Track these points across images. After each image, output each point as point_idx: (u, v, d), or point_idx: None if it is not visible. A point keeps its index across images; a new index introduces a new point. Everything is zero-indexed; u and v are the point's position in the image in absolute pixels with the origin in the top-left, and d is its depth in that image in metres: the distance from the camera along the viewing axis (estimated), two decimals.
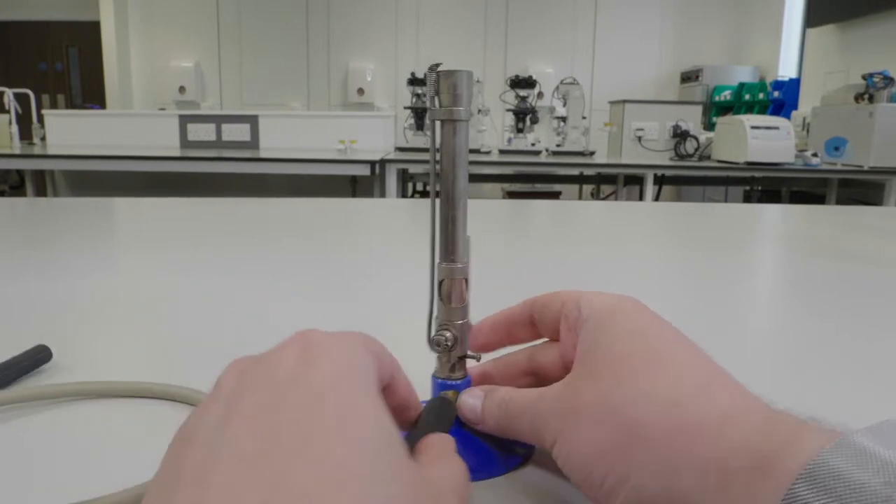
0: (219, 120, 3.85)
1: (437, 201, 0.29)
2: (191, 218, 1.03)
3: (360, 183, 3.78)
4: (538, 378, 0.30)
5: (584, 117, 3.79)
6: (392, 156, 3.45)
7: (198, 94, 5.88)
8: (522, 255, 0.79)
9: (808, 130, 3.89)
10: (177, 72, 5.85)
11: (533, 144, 3.79)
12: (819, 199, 3.92)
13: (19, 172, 3.87)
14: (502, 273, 0.68)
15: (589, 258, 0.79)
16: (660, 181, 4.02)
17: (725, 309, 0.57)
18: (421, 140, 3.79)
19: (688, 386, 0.23)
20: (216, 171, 3.38)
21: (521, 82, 3.67)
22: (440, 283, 0.29)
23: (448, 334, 0.29)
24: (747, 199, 4.49)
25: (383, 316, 0.52)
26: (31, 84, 4.20)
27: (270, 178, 3.83)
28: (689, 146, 3.71)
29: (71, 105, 6.42)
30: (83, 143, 3.82)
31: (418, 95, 3.75)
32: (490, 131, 4.14)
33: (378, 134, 3.88)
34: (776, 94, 5.16)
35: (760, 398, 0.23)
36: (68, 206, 1.15)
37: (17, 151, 3.46)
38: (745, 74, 5.74)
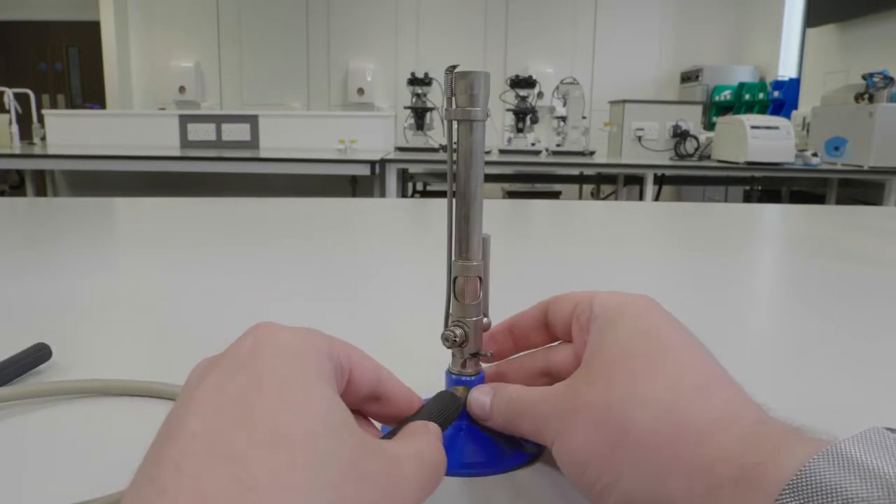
0: (219, 120, 3.85)
1: (454, 200, 0.29)
2: (191, 218, 1.03)
3: (360, 183, 3.78)
4: (553, 378, 0.30)
5: (584, 117, 3.80)
6: (392, 156, 3.45)
7: (198, 94, 5.88)
8: (522, 255, 0.79)
9: (808, 130, 3.90)
10: (177, 72, 5.85)
11: (533, 144, 3.79)
12: (819, 199, 3.92)
13: (19, 172, 3.87)
14: (502, 273, 0.67)
15: (589, 258, 0.79)
16: (660, 181, 4.02)
17: (725, 309, 0.57)
18: (421, 140, 3.79)
19: (684, 388, 0.23)
20: (216, 171, 3.39)
21: (521, 82, 3.67)
22: (454, 280, 0.29)
23: (458, 331, 0.29)
24: (747, 199, 4.49)
25: (383, 316, 0.52)
26: (31, 84, 4.20)
27: (270, 178, 3.83)
28: (689, 146, 3.71)
29: (71, 105, 6.42)
30: (83, 143, 3.82)
31: (418, 95, 3.75)
32: (490, 131, 4.13)
33: (378, 134, 3.88)
34: (776, 93, 5.16)
35: (756, 403, 0.23)
36: (68, 206, 1.15)
37: (17, 151, 3.46)
38: (745, 74, 5.74)
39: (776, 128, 3.35)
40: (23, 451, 0.30)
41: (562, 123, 3.84)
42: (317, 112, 5.38)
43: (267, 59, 5.98)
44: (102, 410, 0.34)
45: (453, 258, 0.29)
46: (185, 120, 3.82)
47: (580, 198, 4.83)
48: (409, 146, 3.78)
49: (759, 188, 4.45)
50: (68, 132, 3.88)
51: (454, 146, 0.28)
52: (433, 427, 0.25)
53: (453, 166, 0.28)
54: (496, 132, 4.23)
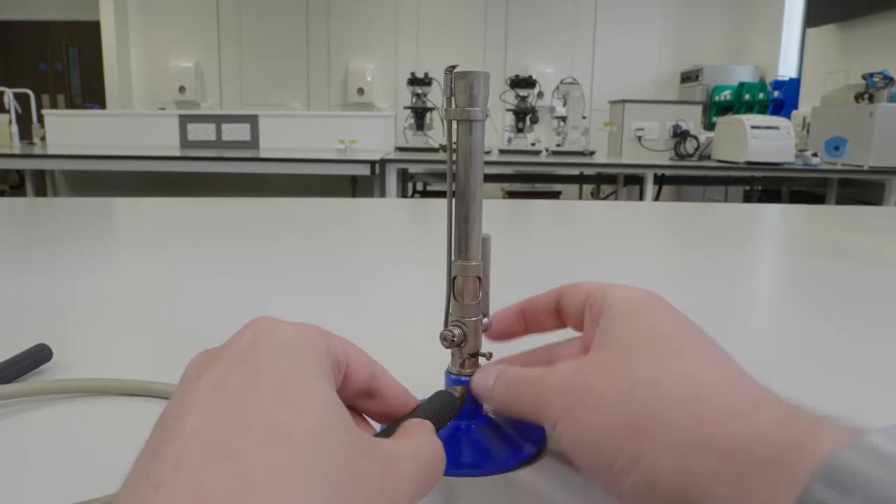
0: (219, 120, 3.85)
1: (453, 200, 0.29)
2: (191, 218, 1.03)
3: (360, 183, 3.78)
4: None
5: (584, 117, 3.80)
6: (392, 156, 3.45)
7: (198, 94, 5.88)
8: (522, 255, 0.79)
9: (808, 130, 3.89)
10: (177, 72, 5.85)
11: (533, 144, 3.79)
12: (819, 199, 3.92)
13: (19, 172, 3.87)
14: (502, 273, 0.68)
15: (589, 258, 0.79)
16: (660, 181, 4.02)
17: (725, 309, 0.57)
18: (421, 140, 3.79)
19: (712, 373, 0.23)
20: (216, 171, 3.38)
21: (521, 82, 3.67)
22: (454, 280, 0.29)
23: (457, 331, 0.29)
24: (747, 198, 4.49)
25: (383, 316, 0.52)
26: (31, 84, 4.20)
27: (270, 178, 3.83)
28: (689, 146, 3.71)
29: (71, 105, 6.42)
30: (83, 143, 3.82)
31: (418, 95, 3.75)
32: (490, 131, 4.14)
33: (378, 134, 3.88)
34: (776, 93, 5.16)
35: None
36: (68, 206, 1.15)
37: (17, 151, 3.46)
38: (745, 74, 5.74)
39: (776, 128, 3.35)
40: (23, 450, 0.30)
41: (562, 123, 3.84)
42: (317, 112, 5.38)
43: (267, 59, 5.98)
44: (102, 410, 0.34)
45: (453, 258, 0.29)
46: (185, 120, 3.82)
47: (580, 198, 4.83)
48: (409, 146, 3.78)
49: (759, 188, 4.45)
50: (68, 132, 3.88)
51: (454, 146, 0.28)
52: (429, 425, 0.25)
53: (453, 166, 0.28)
54: (496, 132, 4.23)
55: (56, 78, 6.57)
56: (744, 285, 0.67)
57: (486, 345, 0.31)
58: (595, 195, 4.61)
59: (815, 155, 3.36)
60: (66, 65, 6.55)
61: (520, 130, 3.73)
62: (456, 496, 0.26)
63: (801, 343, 0.48)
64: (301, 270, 0.67)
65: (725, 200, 4.58)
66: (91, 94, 6.39)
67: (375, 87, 5.98)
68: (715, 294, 0.61)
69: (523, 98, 3.69)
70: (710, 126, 4.70)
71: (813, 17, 5.09)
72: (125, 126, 3.89)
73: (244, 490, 0.16)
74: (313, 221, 1.02)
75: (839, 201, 3.77)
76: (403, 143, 3.84)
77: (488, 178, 4.67)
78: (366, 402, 0.26)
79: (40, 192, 3.87)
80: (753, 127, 3.30)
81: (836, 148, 3.44)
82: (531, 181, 5.06)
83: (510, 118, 3.79)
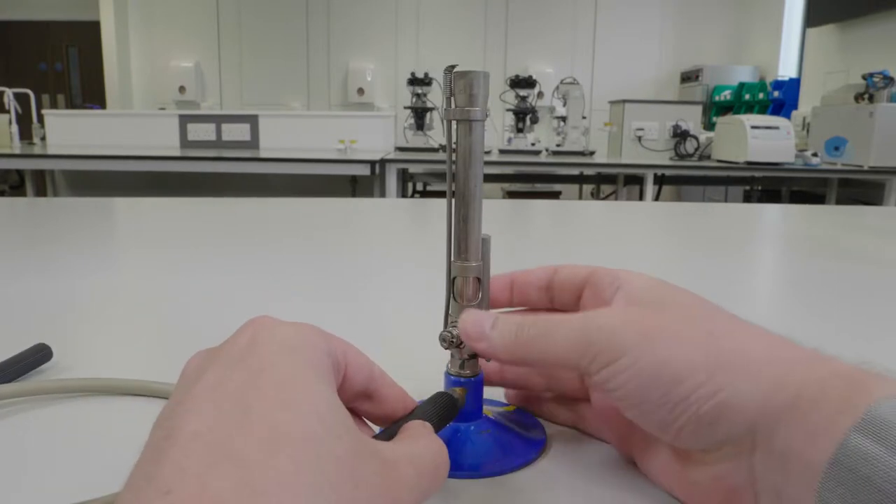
0: (219, 120, 3.85)
1: (453, 200, 0.29)
2: (191, 218, 1.03)
3: (360, 183, 3.78)
4: (548, 376, 0.31)
5: (584, 117, 3.80)
6: (392, 156, 3.45)
7: (198, 94, 5.88)
8: (522, 255, 0.79)
9: (808, 130, 3.89)
10: (177, 72, 5.85)
11: (533, 144, 3.79)
12: (819, 199, 3.92)
13: (19, 172, 3.87)
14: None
15: (589, 258, 0.79)
16: (660, 181, 4.02)
17: (725, 309, 0.56)
18: (421, 140, 3.79)
19: (767, 334, 0.25)
20: (216, 171, 3.38)
21: (521, 82, 3.67)
22: (453, 281, 0.29)
23: (456, 331, 0.29)
24: (747, 198, 4.49)
25: (383, 316, 0.52)
26: (31, 84, 4.20)
27: (270, 178, 3.83)
28: (689, 146, 3.71)
29: (71, 105, 6.42)
30: (83, 143, 3.82)
31: (418, 95, 3.75)
32: (490, 131, 4.14)
33: (378, 134, 3.87)
34: (776, 93, 5.16)
35: None
36: (68, 206, 1.15)
37: (17, 151, 3.46)
38: (745, 74, 5.74)
39: (776, 128, 3.35)
40: (23, 450, 0.30)
41: (562, 123, 3.84)
42: (317, 112, 5.38)
43: (267, 59, 5.98)
44: (103, 409, 0.34)
45: (452, 258, 0.29)
46: (185, 120, 3.82)
47: (580, 198, 4.83)
48: (409, 146, 3.78)
49: (759, 188, 4.45)
50: (68, 132, 3.88)
51: (453, 146, 0.28)
52: (430, 428, 0.24)
53: (452, 166, 0.28)
54: (496, 132, 4.23)
55: (56, 78, 6.57)
56: (744, 285, 0.67)
57: None
58: (595, 195, 4.61)
59: (815, 155, 3.36)
60: (66, 65, 6.55)
61: (520, 130, 3.73)
62: (456, 498, 0.26)
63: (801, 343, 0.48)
64: (301, 270, 0.67)
65: (725, 200, 4.59)
66: (91, 94, 6.39)
67: (375, 87, 5.98)
68: (715, 294, 0.61)
69: (523, 98, 3.69)
70: (710, 126, 4.70)
71: (813, 17, 5.09)
72: (125, 126, 3.89)
73: (251, 495, 0.16)
74: (313, 221, 1.02)
75: (839, 201, 3.77)
76: (403, 143, 3.84)
77: (488, 178, 4.69)
78: (364, 404, 0.25)
79: (40, 192, 3.87)
80: (753, 127, 3.30)
81: (836, 148, 3.44)
82: (531, 181, 5.06)
83: (510, 118, 3.79)
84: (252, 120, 3.83)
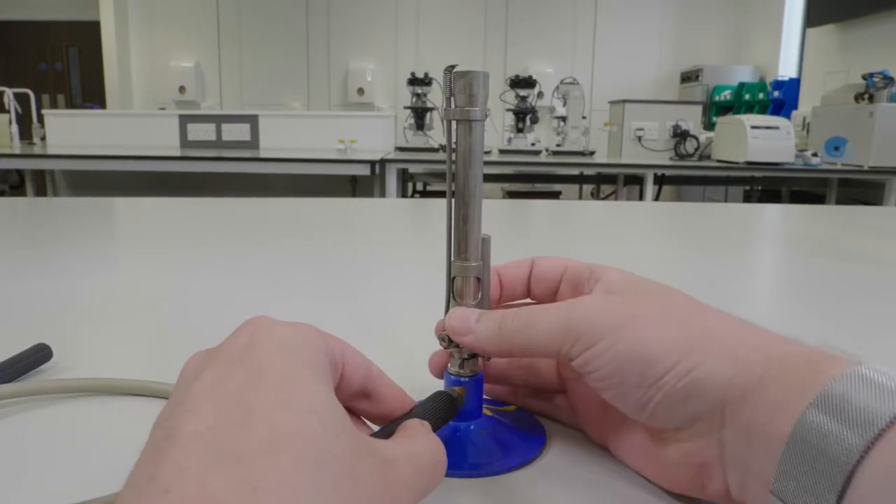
0: (219, 120, 3.85)
1: (452, 200, 0.29)
2: (191, 218, 1.03)
3: (360, 183, 3.78)
4: (541, 375, 0.32)
5: (584, 117, 3.80)
6: (392, 156, 3.45)
7: (198, 94, 5.88)
8: (522, 255, 0.79)
9: (808, 130, 3.90)
10: (177, 72, 5.85)
11: (533, 144, 3.79)
12: (819, 199, 3.92)
13: (19, 172, 3.87)
14: None
15: (589, 258, 0.79)
16: (660, 181, 4.02)
17: (725, 309, 0.56)
18: (421, 140, 3.79)
19: (737, 320, 0.26)
20: (216, 171, 3.39)
21: (521, 82, 3.67)
22: (453, 281, 0.29)
23: None
24: (747, 198, 4.49)
25: (383, 316, 0.52)
26: (31, 84, 4.20)
27: (270, 178, 3.83)
28: (689, 146, 3.72)
29: (71, 105, 6.42)
30: (83, 143, 3.82)
31: (418, 95, 3.75)
32: (490, 131, 4.14)
33: (378, 134, 3.88)
34: (776, 93, 5.16)
35: None
36: (68, 206, 1.15)
37: (17, 151, 3.46)
38: (745, 74, 5.74)
39: (776, 128, 3.35)
40: (23, 450, 0.30)
41: (562, 123, 3.84)
42: (317, 112, 5.38)
43: (267, 59, 5.98)
44: (103, 409, 0.34)
45: (452, 258, 0.29)
46: (185, 120, 3.82)
47: (580, 198, 4.83)
48: (409, 146, 3.78)
49: (759, 188, 4.45)
50: (68, 132, 3.88)
51: (453, 146, 0.28)
52: (429, 426, 0.25)
53: (452, 166, 0.28)
54: (496, 132, 4.23)
55: (56, 78, 6.57)
56: (744, 285, 0.67)
57: None
58: (595, 195, 4.61)
59: (815, 155, 3.36)
60: (66, 65, 6.55)
61: (520, 130, 3.73)
62: (455, 498, 0.26)
63: None
64: (301, 270, 0.67)
65: (725, 200, 4.59)
66: (91, 94, 6.39)
67: (375, 87, 5.98)
68: (715, 294, 0.61)
69: (523, 98, 3.69)
70: (710, 126, 4.71)
71: (813, 17, 5.09)
72: (125, 126, 3.89)
73: (250, 494, 0.16)
74: (313, 221, 1.02)
75: (839, 201, 3.77)
76: (403, 143, 3.84)
77: (488, 178, 4.69)
78: (361, 403, 0.26)
79: (40, 192, 3.87)
80: (753, 127, 3.30)
81: (836, 148, 3.44)
82: (531, 181, 5.06)
83: (510, 118, 3.79)
84: (252, 120, 3.84)
